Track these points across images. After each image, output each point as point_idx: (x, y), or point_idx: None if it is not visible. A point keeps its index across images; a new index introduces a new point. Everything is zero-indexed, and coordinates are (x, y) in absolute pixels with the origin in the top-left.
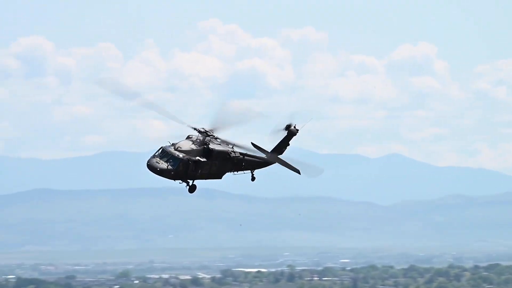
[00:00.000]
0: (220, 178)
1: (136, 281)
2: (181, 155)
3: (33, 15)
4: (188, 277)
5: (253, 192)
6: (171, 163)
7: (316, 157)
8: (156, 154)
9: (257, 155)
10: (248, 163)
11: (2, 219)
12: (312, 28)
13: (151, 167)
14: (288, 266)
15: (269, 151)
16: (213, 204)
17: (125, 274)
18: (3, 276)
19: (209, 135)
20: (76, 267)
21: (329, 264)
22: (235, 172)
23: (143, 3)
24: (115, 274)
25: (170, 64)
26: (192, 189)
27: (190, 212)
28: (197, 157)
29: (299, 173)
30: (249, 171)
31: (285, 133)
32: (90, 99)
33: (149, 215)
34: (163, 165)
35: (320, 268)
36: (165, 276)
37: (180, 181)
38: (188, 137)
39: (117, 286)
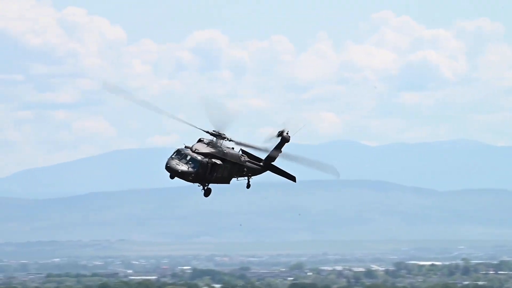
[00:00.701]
0: (229, 183)
1: (310, 273)
2: (199, 157)
3: (208, 9)
4: (361, 269)
5: (426, 185)
6: (191, 165)
7: (492, 149)
8: (174, 156)
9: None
10: (249, 169)
11: (178, 210)
12: (487, 19)
13: (171, 169)
14: (463, 259)
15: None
16: (386, 197)
17: (298, 266)
18: (179, 267)
19: (222, 137)
20: (251, 259)
21: (506, 258)
22: (238, 178)
23: None
24: (288, 265)
25: (342, 56)
26: (207, 192)
27: (363, 205)
28: (214, 160)
29: (295, 180)
30: (246, 177)
31: (278, 140)
32: (264, 91)
33: (323, 207)
34: (183, 167)
35: (496, 262)
36: (338, 268)
37: (198, 184)
38: (200, 140)
39: (291, 278)
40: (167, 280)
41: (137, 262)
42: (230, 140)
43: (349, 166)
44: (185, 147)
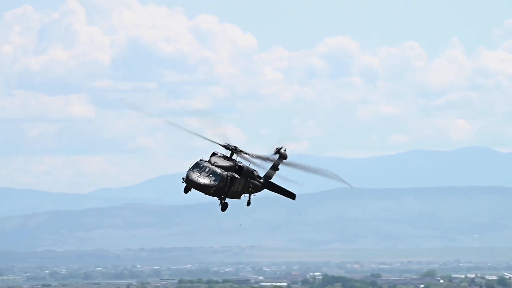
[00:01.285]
0: (239, 198)
1: (442, 281)
2: (219, 170)
3: (339, 15)
4: (494, 277)
5: None
6: (213, 179)
7: None
8: (194, 169)
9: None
10: (254, 185)
11: (309, 217)
12: None
13: (192, 182)
14: None
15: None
16: None
17: (430, 273)
18: (310, 274)
19: (237, 151)
20: (382, 266)
21: None
22: (245, 194)
23: (443, 2)
24: (420, 273)
25: (475, 62)
26: (225, 207)
27: (497, 211)
28: (233, 174)
29: (294, 198)
30: (248, 194)
31: (275, 158)
32: (395, 98)
33: (455, 214)
34: (205, 179)
35: None
36: (470, 275)
37: (217, 198)
38: (214, 154)
39: (422, 286)
40: (298, 286)
41: (268, 269)
42: (244, 153)
43: (482, 172)
44: (204, 160)
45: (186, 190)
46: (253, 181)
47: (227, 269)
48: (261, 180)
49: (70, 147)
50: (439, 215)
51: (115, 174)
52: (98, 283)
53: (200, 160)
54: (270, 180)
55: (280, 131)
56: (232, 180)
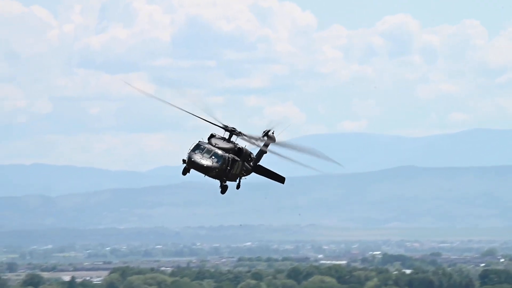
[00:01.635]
0: (236, 181)
1: (502, 259)
2: (220, 152)
3: None
4: None
5: None
6: (215, 160)
7: None
8: (195, 150)
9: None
10: (246, 168)
11: (368, 195)
12: None
13: (195, 163)
14: None
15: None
16: None
17: (491, 252)
18: (370, 252)
19: (236, 133)
20: (441, 245)
21: None
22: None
23: None
24: (480, 252)
25: None
26: (224, 189)
27: None
28: (233, 156)
29: (283, 181)
30: (240, 177)
31: (264, 140)
32: (455, 76)
33: None
34: (208, 161)
35: None
36: None
37: (219, 180)
38: (212, 136)
39: (483, 264)
40: (357, 265)
41: (327, 247)
42: (243, 135)
43: None
44: (201, 141)
45: (185, 172)
46: (247, 164)
47: (286, 247)
48: (251, 163)
49: (130, 125)
50: (498, 194)
51: (175, 152)
52: (158, 261)
53: (200, 141)
54: (259, 164)
55: (339, 110)
56: (232, 163)
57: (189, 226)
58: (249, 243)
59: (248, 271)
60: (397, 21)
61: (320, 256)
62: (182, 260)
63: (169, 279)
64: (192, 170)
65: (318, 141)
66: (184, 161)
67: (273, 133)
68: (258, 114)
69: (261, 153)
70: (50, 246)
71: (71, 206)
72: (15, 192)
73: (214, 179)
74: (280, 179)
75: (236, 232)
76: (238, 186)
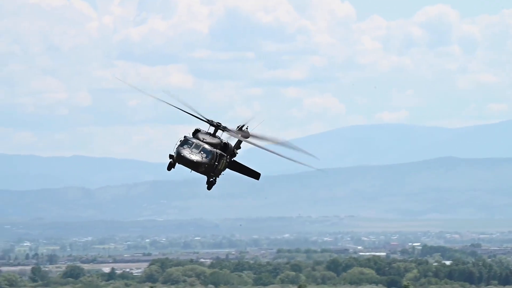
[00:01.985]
0: (218, 177)
1: None
2: (209, 147)
3: None
4: None
5: None
6: (204, 155)
7: None
8: (184, 145)
9: None
10: (225, 164)
11: (407, 187)
12: None
13: (185, 158)
14: None
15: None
16: None
17: None
18: (409, 244)
19: (221, 128)
20: (481, 236)
21: None
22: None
23: None
24: None
25: None
26: (211, 185)
27: None
28: (220, 151)
29: (258, 177)
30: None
31: (238, 136)
32: (494, 66)
33: None
34: (197, 156)
35: None
36: None
37: (206, 175)
38: (198, 130)
39: None
40: (397, 256)
41: (366, 239)
42: (228, 130)
43: None
44: (188, 136)
45: (170, 167)
46: (228, 159)
47: (325, 239)
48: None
49: (169, 117)
50: None
51: None
52: (197, 252)
53: (187, 136)
54: (234, 159)
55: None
56: (220, 158)
57: (228, 218)
58: (287, 235)
59: (287, 263)
60: (436, 12)
61: (359, 247)
62: (221, 252)
63: (208, 271)
64: (177, 166)
65: (357, 132)
66: (171, 156)
67: (247, 128)
68: (296, 105)
69: (235, 149)
70: (90, 238)
71: (110, 198)
72: (56, 184)
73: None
74: (255, 175)
75: (274, 224)
76: (214, 182)
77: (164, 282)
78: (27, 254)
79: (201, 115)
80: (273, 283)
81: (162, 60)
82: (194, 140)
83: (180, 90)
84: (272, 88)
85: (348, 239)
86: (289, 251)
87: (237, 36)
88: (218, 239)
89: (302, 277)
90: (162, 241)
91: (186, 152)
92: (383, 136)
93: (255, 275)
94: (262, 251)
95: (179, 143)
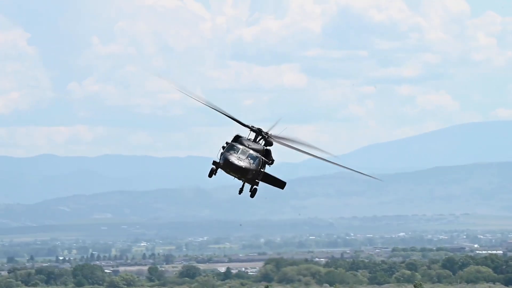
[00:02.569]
0: (258, 184)
1: None
2: (255, 154)
3: None
4: None
5: None
6: (251, 161)
7: None
8: (230, 150)
9: None
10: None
11: None
12: None
13: (233, 165)
14: None
15: None
16: None
17: None
18: None
19: (262, 134)
20: None
21: None
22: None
23: None
24: None
25: None
26: (255, 192)
27: None
28: (263, 157)
29: (283, 187)
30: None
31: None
32: None
33: None
34: (245, 162)
35: None
36: None
37: (250, 183)
38: (239, 137)
39: None
40: None
41: (482, 237)
42: (269, 137)
43: None
44: (231, 142)
45: (211, 174)
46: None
47: (441, 237)
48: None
49: (283, 116)
50: None
51: (327, 143)
52: (312, 251)
53: (232, 142)
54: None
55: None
56: (263, 164)
57: (342, 216)
58: (402, 234)
59: (403, 262)
60: None
61: (476, 245)
62: (336, 251)
63: (323, 270)
64: (219, 172)
65: (473, 129)
66: (214, 162)
67: (270, 136)
68: (410, 103)
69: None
70: (205, 238)
71: (225, 198)
72: (171, 184)
73: (243, 181)
74: (281, 184)
75: (389, 223)
76: (256, 191)
77: (279, 282)
78: (144, 254)
79: (240, 121)
80: (388, 282)
81: (275, 59)
82: (240, 146)
83: (293, 90)
84: (385, 86)
85: (464, 237)
86: (404, 249)
87: (349, 34)
88: (333, 238)
89: (418, 275)
90: (276, 241)
91: (234, 158)
92: (499, 133)
93: (370, 274)
94: (377, 250)
95: (222, 149)
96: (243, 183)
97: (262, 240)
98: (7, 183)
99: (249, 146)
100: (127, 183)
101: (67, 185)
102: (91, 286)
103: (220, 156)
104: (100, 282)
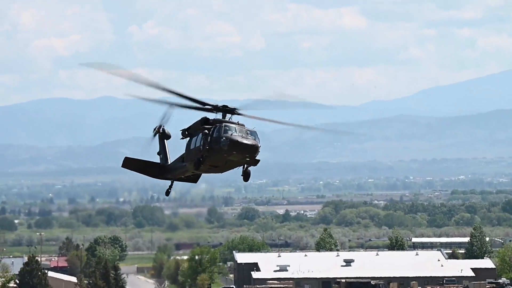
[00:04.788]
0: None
1: None
2: (250, 129)
3: None
4: None
5: None
6: (257, 139)
7: None
8: (228, 131)
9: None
10: None
11: None
12: None
13: (242, 144)
14: None
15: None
16: None
17: None
18: None
19: (229, 111)
20: None
21: None
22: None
23: None
24: None
25: None
26: (249, 175)
27: None
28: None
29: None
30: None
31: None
32: None
33: None
34: (252, 140)
35: None
36: None
37: (248, 164)
38: (207, 119)
39: None
40: None
41: None
42: (236, 113)
43: None
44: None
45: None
46: None
47: (501, 180)
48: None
49: (342, 59)
50: None
51: (387, 86)
52: (371, 194)
53: (223, 122)
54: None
55: None
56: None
57: (402, 159)
58: (462, 176)
59: (462, 204)
60: None
61: None
62: (395, 194)
63: (382, 213)
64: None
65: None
66: (224, 141)
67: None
68: (471, 46)
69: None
70: (264, 181)
71: (285, 141)
72: None
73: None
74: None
75: (449, 166)
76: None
77: (338, 224)
78: (203, 196)
79: (203, 101)
80: (447, 225)
81: (335, 2)
82: (232, 124)
83: (353, 32)
84: (445, 29)
85: None
86: (463, 192)
87: None
88: (392, 181)
89: (477, 218)
90: (335, 183)
91: (238, 137)
92: None
93: (429, 217)
94: (436, 193)
95: (217, 132)
96: (172, 182)
97: (321, 182)
98: (68, 125)
99: (238, 123)
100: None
101: (127, 127)
102: (151, 227)
103: (205, 142)
104: (160, 223)
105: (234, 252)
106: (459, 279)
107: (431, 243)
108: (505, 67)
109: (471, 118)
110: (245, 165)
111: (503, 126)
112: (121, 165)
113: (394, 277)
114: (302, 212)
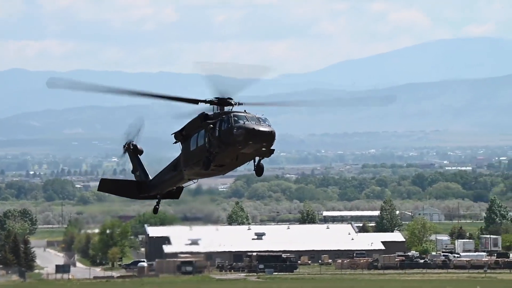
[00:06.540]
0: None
1: None
2: (261, 117)
3: None
4: None
5: None
6: (269, 124)
7: None
8: (240, 120)
9: None
10: None
11: (496, 101)
12: None
13: (259, 132)
14: None
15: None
16: None
17: None
18: (496, 158)
19: (233, 103)
20: None
21: None
22: None
23: None
24: None
25: None
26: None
27: None
28: None
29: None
30: None
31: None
32: None
33: None
34: (268, 127)
35: None
36: None
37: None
38: (207, 115)
39: None
40: (483, 171)
41: (452, 153)
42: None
43: None
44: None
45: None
46: None
47: (411, 154)
48: None
49: (254, 33)
50: None
51: (299, 59)
52: (283, 168)
53: (234, 113)
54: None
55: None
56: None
57: (313, 133)
58: (373, 150)
59: (373, 178)
60: None
61: (445, 162)
62: (307, 167)
63: (294, 186)
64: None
65: (443, 46)
66: (237, 130)
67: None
68: (381, 20)
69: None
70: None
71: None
72: (143, 100)
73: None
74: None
75: (360, 139)
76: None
77: (250, 198)
78: (115, 170)
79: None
80: (358, 198)
81: None
82: (245, 113)
83: (265, 6)
84: (357, 4)
85: (434, 154)
86: (374, 166)
87: None
88: (304, 155)
89: (388, 192)
90: None
91: (254, 125)
92: (471, 50)
93: (340, 190)
94: (347, 166)
95: (230, 121)
96: (159, 200)
97: None
98: None
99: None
100: (98, 98)
101: (38, 100)
102: (62, 200)
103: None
104: (71, 197)
105: (145, 225)
106: (369, 252)
107: (342, 216)
108: (415, 41)
109: (382, 92)
110: (258, 158)
111: (413, 100)
112: (97, 189)
113: (305, 250)
114: (213, 185)
